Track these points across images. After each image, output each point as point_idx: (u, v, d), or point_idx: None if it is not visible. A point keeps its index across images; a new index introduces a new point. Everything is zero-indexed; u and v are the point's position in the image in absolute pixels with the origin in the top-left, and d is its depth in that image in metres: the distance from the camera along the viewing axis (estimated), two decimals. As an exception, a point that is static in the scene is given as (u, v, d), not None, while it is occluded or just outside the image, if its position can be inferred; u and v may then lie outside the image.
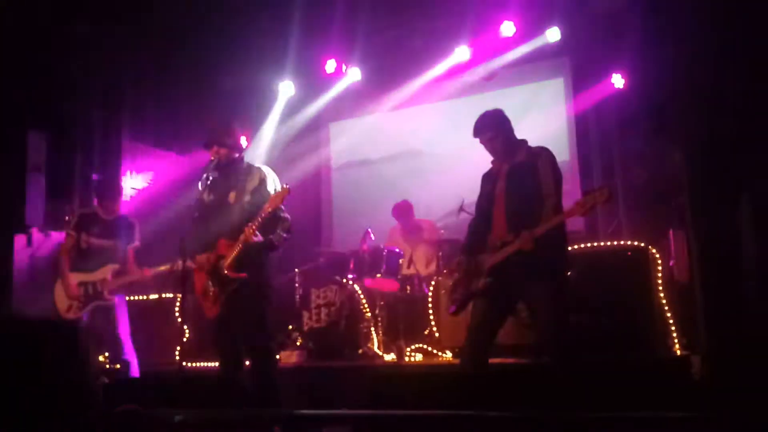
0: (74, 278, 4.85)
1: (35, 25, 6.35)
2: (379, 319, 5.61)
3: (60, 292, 4.87)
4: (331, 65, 7.47)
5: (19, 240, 6.27)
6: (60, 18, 6.45)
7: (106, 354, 5.14)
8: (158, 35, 6.96)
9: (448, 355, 5.25)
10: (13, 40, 6.22)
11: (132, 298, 5.67)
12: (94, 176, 7.18)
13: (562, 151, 6.86)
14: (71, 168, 7.14)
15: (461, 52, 7.07)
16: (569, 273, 3.71)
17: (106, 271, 4.87)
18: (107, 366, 5.11)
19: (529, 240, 3.40)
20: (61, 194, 6.81)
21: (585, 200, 3.41)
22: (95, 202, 5.25)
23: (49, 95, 6.78)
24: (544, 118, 7.07)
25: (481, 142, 3.79)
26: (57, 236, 6.27)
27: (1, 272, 6.03)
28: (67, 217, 5.23)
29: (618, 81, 6.59)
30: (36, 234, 6.31)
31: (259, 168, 4.06)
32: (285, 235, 3.91)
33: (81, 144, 7.29)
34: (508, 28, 6.72)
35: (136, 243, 5.06)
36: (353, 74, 7.60)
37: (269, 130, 7.88)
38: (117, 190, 5.35)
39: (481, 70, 7.29)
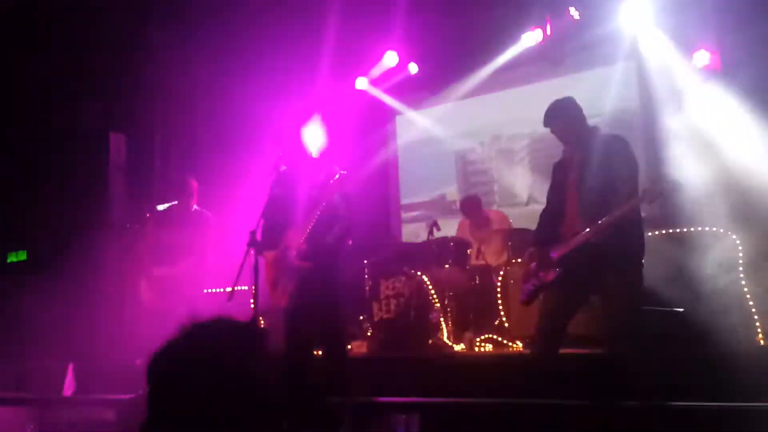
0: (156, 272, 5.09)
1: (114, 30, 6.66)
2: (449, 309, 5.60)
3: (143, 285, 5.12)
4: (392, 58, 7.48)
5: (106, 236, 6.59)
6: (138, 22, 6.75)
7: None
8: (228, 38, 7.16)
9: (519, 345, 5.20)
10: (93, 44, 6.55)
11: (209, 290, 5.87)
12: (172, 174, 7.47)
13: (636, 139, 6.62)
14: (151, 167, 7.46)
15: (529, 38, 6.95)
16: (644, 261, 3.60)
17: (185, 264, 5.07)
18: None
19: (602, 230, 3.33)
20: (141, 192, 7.13)
21: (650, 190, 3.34)
22: (173, 198, 5.46)
23: (128, 98, 7.10)
24: (616, 102, 6.84)
25: (552, 131, 3.72)
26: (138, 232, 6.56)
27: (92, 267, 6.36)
28: (147, 214, 5.48)
29: (702, 58, 6.27)
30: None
31: (325, 161, 4.14)
32: (349, 216, 3.97)
33: (159, 144, 7.59)
34: (575, 12, 6.57)
35: (213, 236, 5.23)
36: (413, 67, 7.63)
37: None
38: (193, 187, 5.52)
39: (550, 56, 7.13)
